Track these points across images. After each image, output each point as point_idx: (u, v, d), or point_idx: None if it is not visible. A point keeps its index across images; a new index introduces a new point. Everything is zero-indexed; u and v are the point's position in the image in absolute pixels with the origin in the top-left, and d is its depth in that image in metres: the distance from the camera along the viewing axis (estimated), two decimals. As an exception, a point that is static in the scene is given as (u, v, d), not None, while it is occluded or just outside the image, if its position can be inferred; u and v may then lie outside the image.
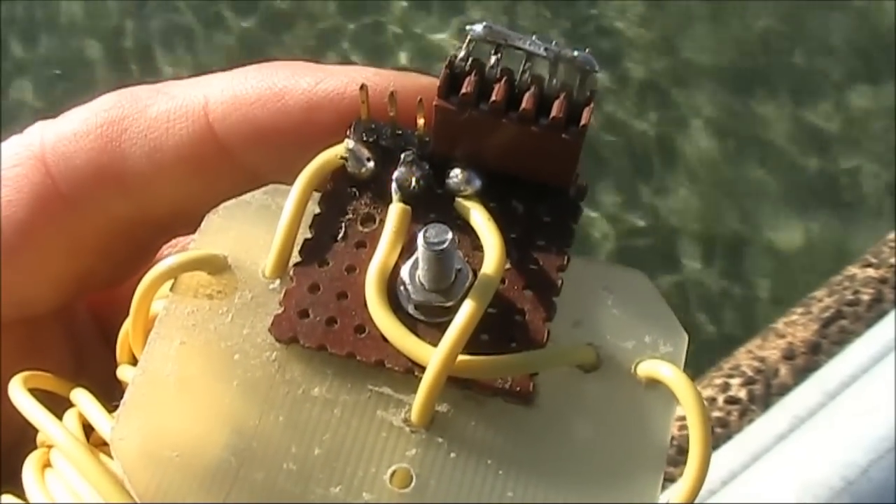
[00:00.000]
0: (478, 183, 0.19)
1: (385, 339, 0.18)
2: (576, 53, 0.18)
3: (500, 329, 0.18)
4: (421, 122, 0.19)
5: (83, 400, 0.19)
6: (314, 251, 0.18)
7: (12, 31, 1.21)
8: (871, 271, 0.48)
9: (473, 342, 0.17)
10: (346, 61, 1.17)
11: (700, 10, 1.19)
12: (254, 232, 0.19)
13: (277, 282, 0.18)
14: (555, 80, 0.18)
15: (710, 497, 0.40)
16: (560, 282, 0.18)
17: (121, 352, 0.20)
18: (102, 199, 0.21)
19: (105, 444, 0.18)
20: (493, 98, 0.18)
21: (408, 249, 0.18)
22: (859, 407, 0.43)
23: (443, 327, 0.17)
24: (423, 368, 0.17)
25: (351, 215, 0.19)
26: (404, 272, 0.18)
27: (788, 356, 0.45)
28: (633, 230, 1.07)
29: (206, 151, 0.20)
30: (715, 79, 1.14)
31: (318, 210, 0.19)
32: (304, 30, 1.21)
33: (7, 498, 0.19)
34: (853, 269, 0.48)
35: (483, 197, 0.19)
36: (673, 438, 0.18)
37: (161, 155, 0.20)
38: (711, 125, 1.12)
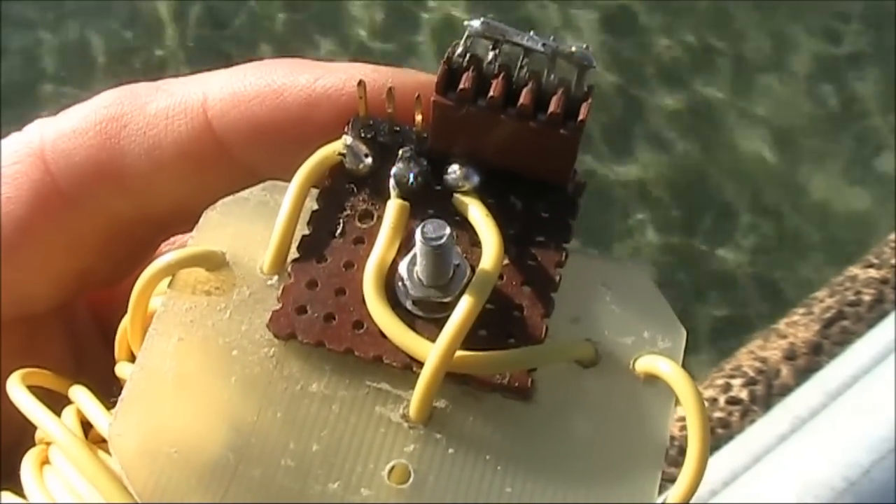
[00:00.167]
0: (476, 179, 0.19)
1: (383, 335, 0.18)
2: (573, 49, 0.18)
3: (498, 325, 0.18)
4: (419, 118, 0.19)
5: (82, 397, 0.19)
6: (312, 247, 0.18)
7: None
8: (872, 272, 0.48)
9: (472, 338, 0.17)
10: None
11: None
12: (252, 228, 0.19)
13: (275, 278, 0.18)
14: (552, 76, 0.18)
15: (712, 497, 0.40)
16: (558, 278, 0.18)
17: (119, 349, 0.20)
18: (102, 196, 0.21)
19: (103, 441, 0.18)
20: (491, 94, 0.18)
21: (406, 245, 0.18)
22: (861, 407, 0.43)
23: (441, 323, 0.17)
24: (421, 364, 0.17)
25: (349, 211, 0.19)
26: (402, 268, 0.18)
27: (790, 357, 0.45)
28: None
29: (205, 148, 0.20)
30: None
31: (316, 206, 0.19)
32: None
33: (6, 495, 0.19)
34: (855, 270, 0.48)
35: (481, 193, 0.19)
36: (674, 439, 0.18)
37: (160, 152, 0.20)
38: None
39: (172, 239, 0.23)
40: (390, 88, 0.18)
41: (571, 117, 0.18)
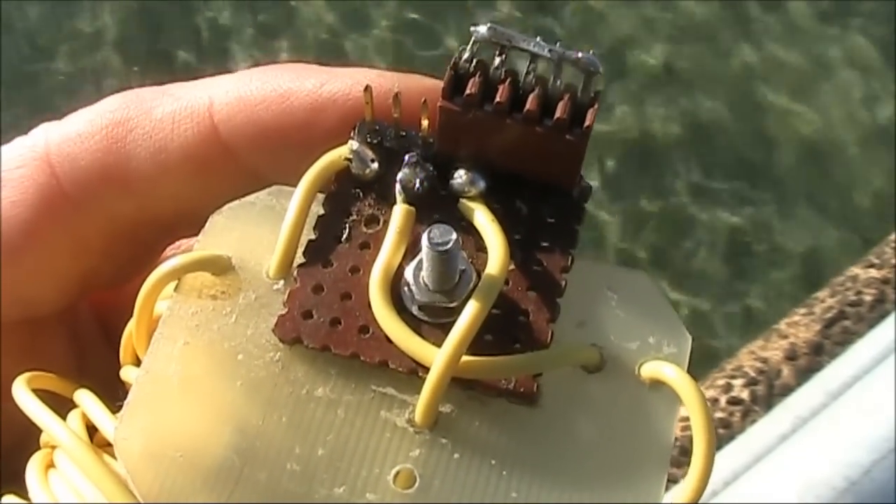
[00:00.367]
0: (482, 184, 0.19)
1: (389, 340, 0.18)
2: (580, 55, 0.18)
3: (503, 330, 0.18)
4: (425, 123, 0.19)
5: (87, 400, 0.19)
6: (318, 252, 0.18)
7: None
8: (873, 272, 0.48)
9: (477, 343, 0.17)
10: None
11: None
12: (258, 233, 0.19)
13: (281, 282, 0.18)
14: (559, 82, 0.18)
15: (713, 497, 0.40)
16: (564, 283, 0.18)
17: (124, 353, 0.20)
18: (107, 199, 0.21)
19: (108, 445, 0.18)
20: (498, 99, 0.18)
21: (411, 250, 0.18)
22: (862, 407, 0.43)
23: (447, 328, 0.17)
24: (426, 369, 0.17)
25: (355, 216, 0.19)
26: (408, 273, 0.18)
27: (791, 357, 0.45)
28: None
29: (211, 153, 0.20)
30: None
31: (322, 211, 0.19)
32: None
33: (9, 498, 0.20)
34: (856, 270, 0.48)
35: (487, 198, 0.19)
36: (676, 439, 0.18)
37: (166, 156, 0.20)
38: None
39: (178, 243, 0.23)
40: (396, 93, 0.18)
41: (578, 123, 0.18)
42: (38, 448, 0.20)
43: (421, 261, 0.18)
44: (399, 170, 0.19)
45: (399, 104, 0.19)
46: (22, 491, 0.19)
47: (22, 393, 0.20)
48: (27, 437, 0.20)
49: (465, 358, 0.17)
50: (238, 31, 1.22)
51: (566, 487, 0.17)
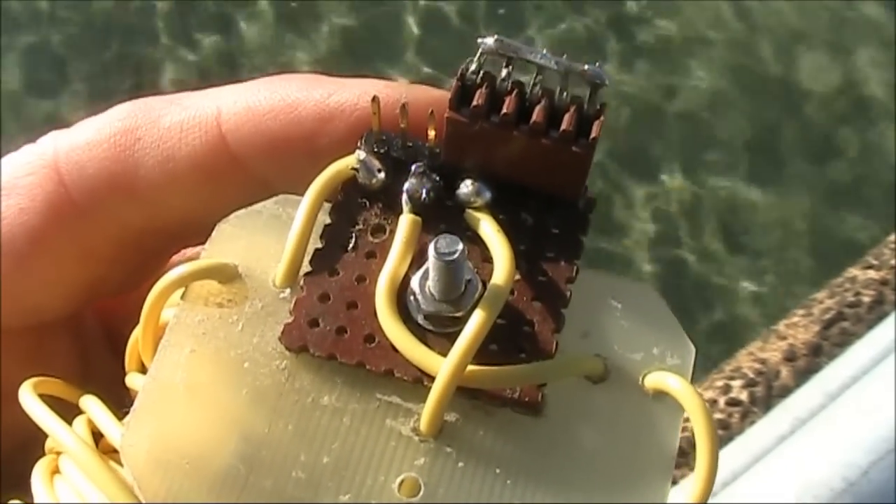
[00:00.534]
0: (488, 195, 0.19)
1: (395, 349, 0.18)
2: (586, 67, 0.18)
3: (509, 340, 0.18)
4: (432, 133, 0.19)
5: (93, 407, 0.19)
6: (324, 261, 0.18)
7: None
8: (871, 273, 0.48)
9: (482, 352, 0.17)
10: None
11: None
12: (264, 241, 0.19)
13: (288, 291, 0.19)
14: (565, 94, 0.18)
15: (712, 498, 0.40)
16: (569, 293, 0.18)
17: (129, 360, 0.20)
18: (114, 207, 0.21)
19: (113, 452, 0.18)
20: (504, 110, 0.18)
21: (417, 260, 0.18)
22: (860, 408, 0.43)
23: (452, 337, 0.17)
24: (432, 378, 0.17)
25: (361, 226, 0.19)
26: (414, 283, 0.18)
27: (789, 358, 0.45)
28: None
29: (219, 162, 0.20)
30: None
31: (328, 220, 0.19)
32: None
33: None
34: (854, 271, 0.48)
35: (493, 209, 0.19)
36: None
37: (174, 164, 0.20)
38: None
39: (183, 251, 0.23)
40: (404, 104, 0.19)
41: (583, 134, 0.18)
42: (43, 454, 0.20)
43: (427, 270, 0.18)
44: (406, 180, 0.19)
45: (406, 115, 0.19)
46: (27, 497, 0.19)
47: (28, 398, 0.20)
48: (31, 443, 0.20)
49: (470, 367, 0.17)
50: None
51: (570, 496, 0.17)
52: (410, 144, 0.19)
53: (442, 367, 0.17)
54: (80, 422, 0.20)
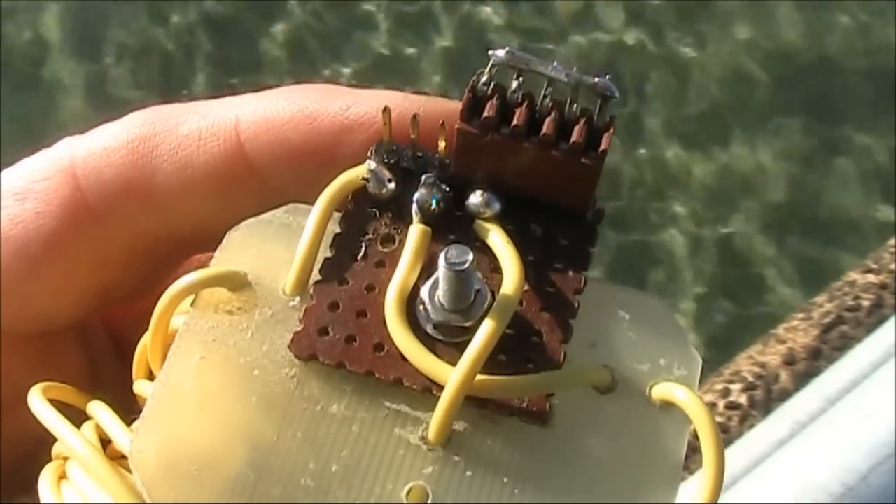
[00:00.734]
0: (497, 206, 0.19)
1: (404, 358, 0.18)
2: (596, 79, 0.18)
3: (517, 350, 0.18)
4: (442, 144, 0.19)
5: (101, 412, 0.20)
6: (334, 270, 0.19)
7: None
8: (871, 277, 0.48)
9: (491, 362, 0.17)
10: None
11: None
12: (274, 249, 0.19)
13: (297, 299, 0.19)
14: (575, 106, 0.18)
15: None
16: (577, 304, 0.18)
17: (137, 367, 0.20)
18: (130, 213, 0.21)
19: (121, 458, 0.18)
20: (514, 122, 0.18)
21: (427, 270, 0.18)
22: (859, 412, 0.43)
23: (461, 347, 0.17)
24: (441, 387, 0.17)
25: (371, 235, 0.19)
26: (424, 292, 0.18)
27: (789, 362, 0.45)
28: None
29: (236, 170, 0.20)
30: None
31: (338, 229, 0.19)
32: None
33: None
34: (853, 275, 0.48)
35: (502, 219, 0.19)
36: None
37: (191, 172, 0.20)
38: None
39: (192, 258, 0.23)
40: (415, 115, 0.19)
41: (593, 147, 0.18)
42: (50, 460, 0.20)
43: (436, 280, 0.18)
44: (416, 190, 0.19)
45: (417, 125, 0.19)
46: (34, 502, 0.19)
47: (37, 402, 0.20)
48: (38, 449, 0.20)
49: (478, 377, 0.17)
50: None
51: None
52: (420, 155, 0.19)
53: (451, 376, 0.17)
54: (87, 427, 0.20)
